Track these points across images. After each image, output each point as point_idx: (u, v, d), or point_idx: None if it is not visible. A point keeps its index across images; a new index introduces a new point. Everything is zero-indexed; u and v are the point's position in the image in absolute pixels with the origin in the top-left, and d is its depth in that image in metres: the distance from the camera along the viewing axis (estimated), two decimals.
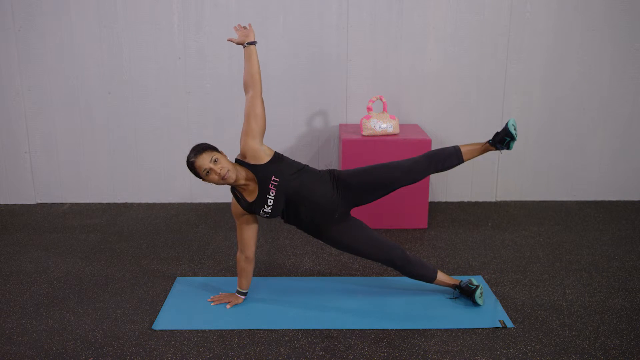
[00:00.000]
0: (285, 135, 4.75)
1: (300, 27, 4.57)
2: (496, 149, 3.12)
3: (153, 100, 4.70)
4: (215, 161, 2.88)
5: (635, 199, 4.97)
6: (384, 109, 4.35)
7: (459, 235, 4.22)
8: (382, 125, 4.23)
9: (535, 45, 4.63)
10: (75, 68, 4.62)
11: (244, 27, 3.16)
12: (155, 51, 4.60)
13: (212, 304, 3.23)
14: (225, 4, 4.53)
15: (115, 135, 4.77)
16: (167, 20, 4.54)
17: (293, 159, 3.15)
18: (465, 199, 4.95)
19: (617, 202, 4.92)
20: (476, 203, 4.90)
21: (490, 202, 4.92)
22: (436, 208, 4.75)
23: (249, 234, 3.13)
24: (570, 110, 4.78)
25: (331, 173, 3.13)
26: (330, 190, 3.06)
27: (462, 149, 3.14)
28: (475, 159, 4.80)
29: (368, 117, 4.24)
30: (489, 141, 3.12)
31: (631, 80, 4.71)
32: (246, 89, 3.05)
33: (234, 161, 3.05)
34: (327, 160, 4.82)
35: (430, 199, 4.88)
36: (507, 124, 3.05)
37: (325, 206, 3.06)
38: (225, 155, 2.98)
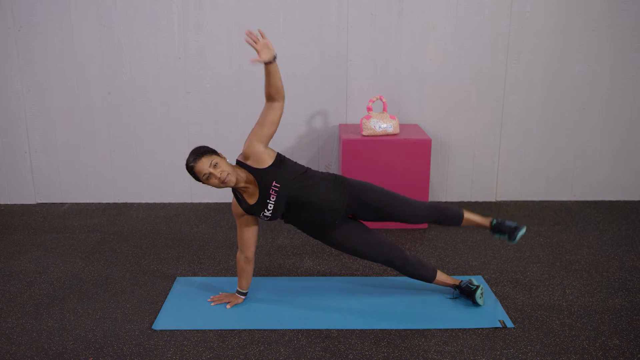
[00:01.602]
0: (285, 135, 4.75)
1: (300, 27, 4.57)
2: (491, 231, 3.26)
3: (153, 100, 4.70)
4: (215, 165, 2.86)
5: (635, 199, 4.97)
6: (384, 109, 4.35)
7: (459, 235, 4.22)
8: (382, 125, 4.23)
9: (535, 45, 4.63)
10: (75, 68, 4.62)
11: (258, 37, 2.84)
12: (155, 51, 4.60)
13: (212, 304, 3.23)
14: (225, 4, 4.53)
15: (115, 135, 4.77)
16: (167, 20, 4.54)
17: (294, 159, 3.15)
18: (465, 199, 4.95)
19: (617, 202, 4.92)
20: (476, 203, 4.90)
21: (490, 202, 4.92)
22: None
23: (249, 234, 3.13)
24: (570, 110, 4.78)
25: (335, 178, 3.11)
26: (332, 195, 3.04)
27: (465, 216, 3.25)
28: (475, 157, 4.82)
29: (368, 117, 4.24)
30: (492, 222, 3.25)
31: (631, 80, 4.71)
32: (270, 98, 2.93)
33: (235, 162, 3.04)
34: (327, 160, 4.82)
35: (430, 199, 4.88)
36: (517, 232, 3.16)
37: (326, 210, 3.04)
38: (224, 158, 2.96)
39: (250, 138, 2.96)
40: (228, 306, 3.20)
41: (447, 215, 3.24)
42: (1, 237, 4.20)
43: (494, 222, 3.24)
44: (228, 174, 2.87)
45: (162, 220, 4.53)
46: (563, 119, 4.79)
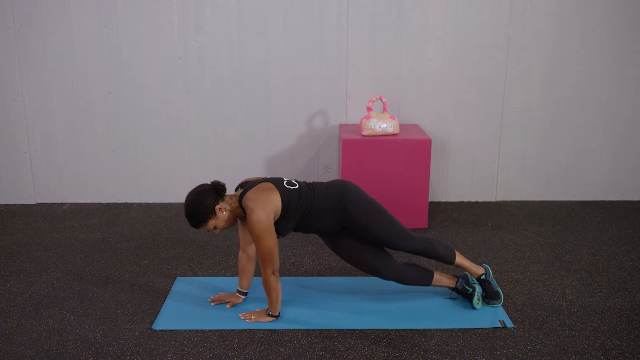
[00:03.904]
0: (285, 135, 4.75)
1: (300, 27, 4.57)
2: (476, 282, 3.22)
3: (153, 100, 4.70)
4: (212, 229, 2.92)
5: (635, 199, 4.97)
6: (384, 109, 4.35)
7: (459, 235, 4.22)
8: (382, 125, 4.23)
9: (535, 45, 4.63)
10: (75, 68, 4.62)
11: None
12: (155, 51, 4.60)
13: (212, 304, 3.23)
14: (225, 4, 4.53)
15: (115, 135, 4.77)
16: (167, 20, 4.54)
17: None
18: (465, 199, 4.95)
19: (617, 202, 4.92)
20: (476, 203, 4.90)
21: (490, 202, 4.92)
22: (436, 208, 4.75)
23: None
24: (570, 110, 4.78)
25: (338, 205, 3.04)
26: (332, 225, 3.07)
27: (457, 260, 3.20)
28: (475, 157, 4.82)
29: (368, 117, 4.24)
30: (481, 276, 3.21)
31: (631, 80, 4.71)
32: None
33: (236, 187, 3.06)
34: (327, 160, 4.82)
35: (430, 199, 4.88)
36: (495, 300, 3.16)
37: (323, 233, 3.14)
38: (217, 212, 2.89)
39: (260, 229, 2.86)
40: (228, 306, 3.20)
41: (438, 254, 3.17)
42: (1, 237, 4.20)
43: (483, 277, 3.21)
44: (223, 229, 2.96)
45: (162, 220, 4.53)
46: (563, 119, 4.79)
